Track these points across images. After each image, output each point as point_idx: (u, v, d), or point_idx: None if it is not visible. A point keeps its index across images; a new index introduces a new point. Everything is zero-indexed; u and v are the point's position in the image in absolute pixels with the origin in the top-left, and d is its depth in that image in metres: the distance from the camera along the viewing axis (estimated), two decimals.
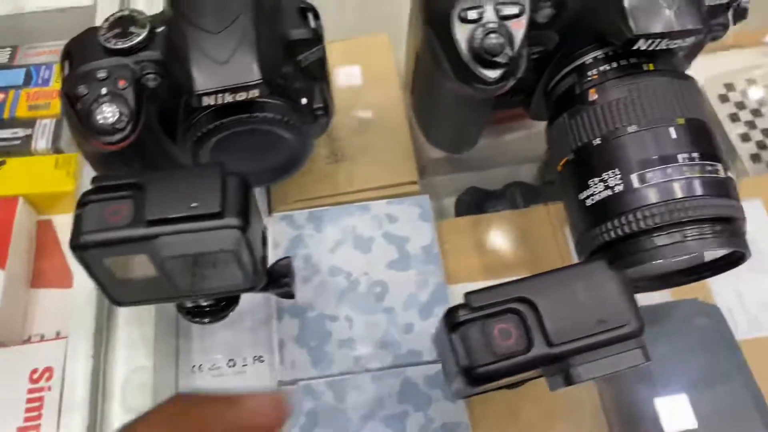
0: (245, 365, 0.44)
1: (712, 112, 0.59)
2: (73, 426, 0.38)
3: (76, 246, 0.31)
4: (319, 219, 0.48)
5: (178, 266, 0.32)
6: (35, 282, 0.50)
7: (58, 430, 0.38)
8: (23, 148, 0.51)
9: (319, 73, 0.41)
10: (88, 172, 0.48)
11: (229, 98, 0.35)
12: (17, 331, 0.47)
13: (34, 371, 0.41)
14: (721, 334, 0.42)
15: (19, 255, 0.48)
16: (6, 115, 0.53)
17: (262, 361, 0.44)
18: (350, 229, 0.48)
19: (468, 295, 0.29)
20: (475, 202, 0.56)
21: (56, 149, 0.52)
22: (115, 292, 0.34)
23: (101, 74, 0.37)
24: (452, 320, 0.29)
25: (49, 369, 0.41)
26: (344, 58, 0.55)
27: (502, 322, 0.29)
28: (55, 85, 0.55)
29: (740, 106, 0.59)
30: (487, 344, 0.28)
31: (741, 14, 0.39)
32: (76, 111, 0.37)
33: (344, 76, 0.55)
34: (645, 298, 0.46)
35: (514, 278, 0.31)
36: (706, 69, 0.61)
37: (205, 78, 0.35)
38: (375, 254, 0.47)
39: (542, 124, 0.42)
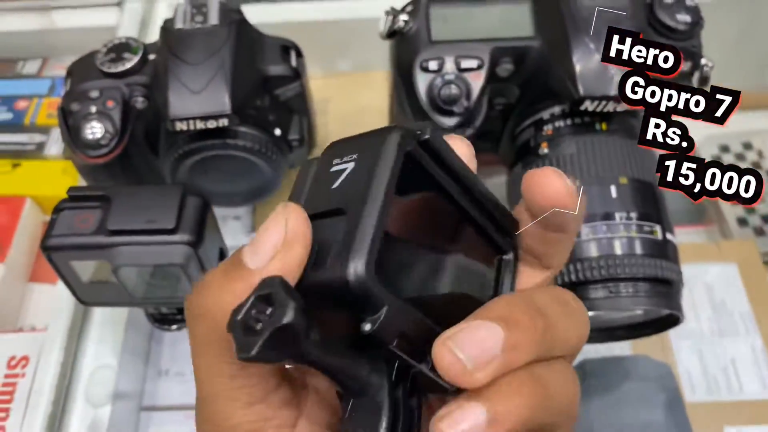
0: None
1: None
2: (37, 414, 0.41)
3: (45, 247, 0.35)
4: None
5: (133, 275, 0.35)
6: (34, 277, 0.54)
7: (24, 416, 0.42)
8: (37, 153, 0.56)
9: (298, 107, 0.44)
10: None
11: (200, 125, 0.38)
12: (11, 320, 0.51)
13: (12, 358, 0.44)
14: (666, 392, 0.42)
15: (20, 250, 0.52)
16: (27, 121, 0.58)
17: None
18: None
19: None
20: None
21: (66, 157, 0.56)
22: (81, 292, 0.38)
23: (94, 94, 0.40)
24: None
25: (25, 357, 0.44)
26: (343, 91, 0.58)
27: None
28: None
29: None
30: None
31: (704, 81, 0.40)
32: (68, 126, 0.40)
33: (341, 108, 0.57)
34: (606, 350, 0.47)
35: None
36: (706, 129, 0.61)
37: (179, 105, 0.38)
38: None
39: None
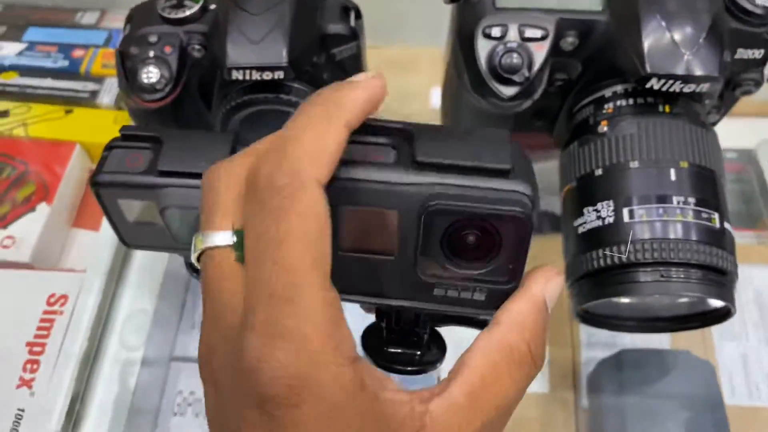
0: None
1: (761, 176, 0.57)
2: (73, 350, 0.42)
3: (94, 183, 0.35)
4: None
5: (178, 218, 0.35)
6: (77, 222, 0.54)
7: (59, 352, 0.42)
8: (90, 101, 0.57)
9: (352, 69, 0.44)
10: None
11: (256, 75, 0.38)
12: (53, 262, 0.52)
13: (52, 295, 0.45)
14: (707, 391, 0.41)
15: (66, 194, 0.53)
16: (83, 69, 0.58)
17: None
18: None
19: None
20: None
21: (118, 107, 0.57)
22: (125, 233, 0.38)
23: (152, 38, 0.40)
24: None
25: (64, 296, 0.45)
26: (394, 64, 0.57)
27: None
28: None
29: None
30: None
31: None
32: (125, 68, 0.40)
33: (390, 81, 0.57)
34: (643, 342, 0.46)
35: None
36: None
37: (237, 54, 0.37)
38: None
39: None
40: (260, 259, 0.20)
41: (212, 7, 0.41)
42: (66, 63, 0.59)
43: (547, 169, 0.55)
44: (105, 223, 0.47)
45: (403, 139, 0.25)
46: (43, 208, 0.51)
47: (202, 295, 0.23)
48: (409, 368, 0.28)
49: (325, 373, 0.19)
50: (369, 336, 0.29)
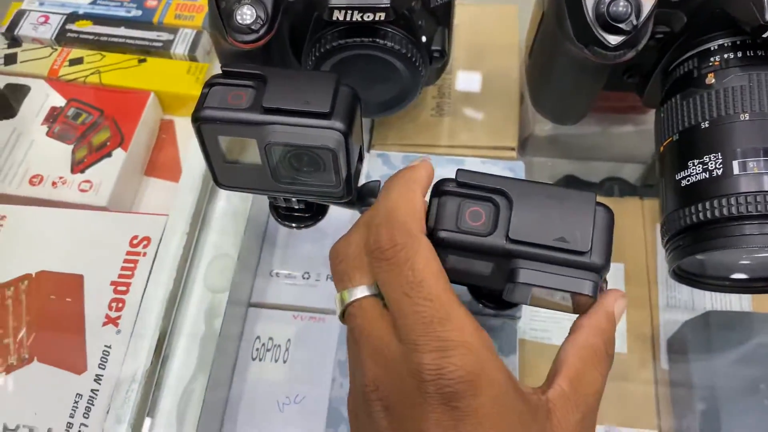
0: (318, 281, 0.47)
1: None
2: (157, 292, 0.42)
3: (197, 118, 0.34)
4: None
5: (281, 156, 0.35)
6: (149, 171, 0.55)
7: (144, 291, 0.42)
8: (163, 51, 0.56)
9: (443, 18, 0.43)
10: None
11: (357, 16, 0.37)
12: (126, 207, 0.52)
13: (134, 237, 0.45)
14: None
15: (140, 142, 0.53)
16: (155, 19, 0.58)
17: None
18: (440, 178, 0.49)
19: (459, 170, 0.31)
20: None
21: (191, 57, 0.56)
22: (221, 174, 0.38)
23: None
24: (440, 187, 0.31)
25: (147, 238, 0.45)
26: (471, 21, 0.56)
27: (477, 206, 0.31)
28: (202, 0, 0.60)
29: None
30: (457, 217, 0.30)
31: None
32: (220, 9, 0.40)
33: (466, 38, 0.56)
34: (722, 306, 0.46)
35: None
36: None
37: None
38: None
39: (652, 123, 0.42)
40: (408, 299, 0.26)
41: None
42: (139, 12, 0.59)
43: (624, 134, 0.55)
44: (187, 167, 0.47)
45: (494, 206, 0.31)
46: (119, 154, 0.51)
47: (352, 341, 0.29)
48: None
49: (489, 366, 0.25)
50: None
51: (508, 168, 0.49)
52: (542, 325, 0.46)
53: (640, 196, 0.52)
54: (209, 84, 0.36)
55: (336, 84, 0.34)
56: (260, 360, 0.44)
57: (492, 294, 0.40)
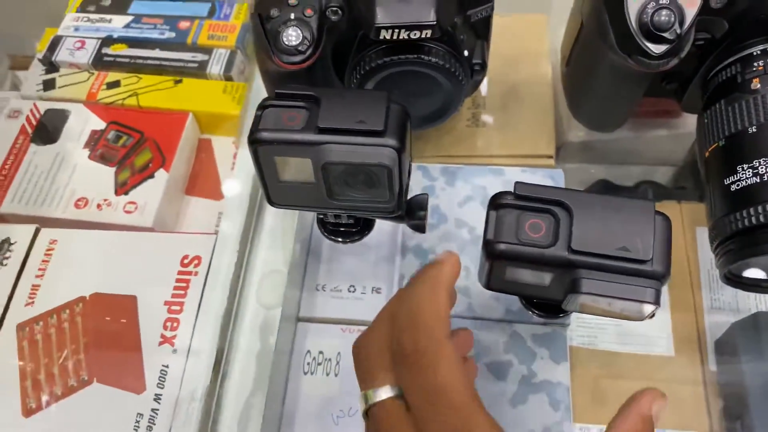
0: (363, 293, 0.47)
1: None
2: (211, 310, 0.43)
3: (254, 140, 0.35)
4: (452, 174, 0.51)
5: (336, 174, 0.36)
6: (189, 190, 0.55)
7: (198, 310, 0.43)
8: (199, 71, 0.57)
9: (483, 32, 0.44)
10: (253, 101, 0.53)
11: (404, 35, 0.38)
12: (170, 227, 0.53)
13: (185, 257, 0.46)
14: None
15: (181, 163, 0.54)
16: (189, 40, 0.59)
17: (380, 293, 0.47)
18: (480, 189, 0.50)
19: (518, 183, 0.31)
20: None
21: (227, 77, 0.57)
22: (273, 192, 0.38)
23: (292, 1, 0.41)
24: (497, 200, 0.32)
25: (198, 257, 0.46)
26: (502, 31, 0.57)
27: (537, 218, 0.31)
28: (234, 21, 0.60)
29: None
30: (516, 229, 0.31)
31: None
32: (266, 30, 0.41)
33: (498, 48, 0.57)
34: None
35: None
36: None
37: (385, 13, 0.38)
38: None
39: (688, 127, 0.42)
40: (431, 407, 0.27)
41: None
42: (173, 34, 0.60)
43: (659, 137, 0.55)
44: (233, 186, 0.48)
45: (554, 218, 0.31)
46: (161, 175, 0.52)
47: None
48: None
49: None
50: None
51: (548, 176, 0.50)
52: (589, 331, 0.46)
53: (678, 199, 0.52)
54: (262, 106, 0.36)
55: (387, 102, 0.35)
56: (312, 374, 0.45)
57: (542, 302, 0.41)
